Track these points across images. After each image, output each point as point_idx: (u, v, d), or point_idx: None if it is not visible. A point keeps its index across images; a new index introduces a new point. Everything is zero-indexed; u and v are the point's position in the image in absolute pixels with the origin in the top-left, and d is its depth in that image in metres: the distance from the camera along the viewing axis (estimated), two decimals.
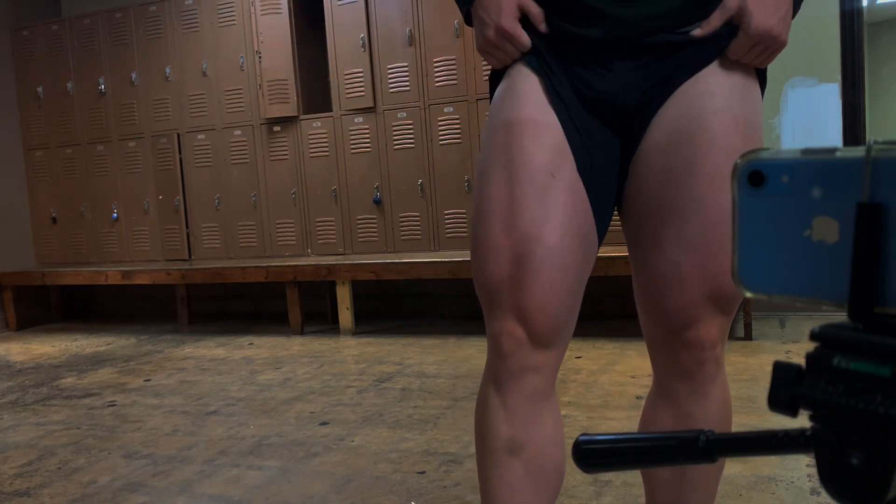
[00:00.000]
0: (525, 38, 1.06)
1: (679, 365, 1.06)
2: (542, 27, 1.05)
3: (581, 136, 1.04)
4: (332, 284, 4.52)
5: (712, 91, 1.02)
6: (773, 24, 0.99)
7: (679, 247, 1.00)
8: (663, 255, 1.02)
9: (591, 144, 1.05)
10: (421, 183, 4.33)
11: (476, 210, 1.06)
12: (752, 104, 1.04)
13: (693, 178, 0.99)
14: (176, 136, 4.96)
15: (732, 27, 1.02)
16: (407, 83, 4.32)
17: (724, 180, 0.98)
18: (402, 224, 4.42)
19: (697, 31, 1.02)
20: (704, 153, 0.99)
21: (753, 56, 1.03)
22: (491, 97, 1.14)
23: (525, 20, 1.07)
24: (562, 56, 1.06)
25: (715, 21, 1.01)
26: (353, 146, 4.50)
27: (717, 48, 1.03)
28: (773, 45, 1.01)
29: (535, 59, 1.07)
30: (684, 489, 1.12)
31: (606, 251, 3.16)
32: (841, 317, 0.41)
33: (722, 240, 0.99)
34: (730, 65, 1.04)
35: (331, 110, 4.55)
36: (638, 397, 2.68)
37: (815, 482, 1.86)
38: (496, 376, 1.06)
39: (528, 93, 1.06)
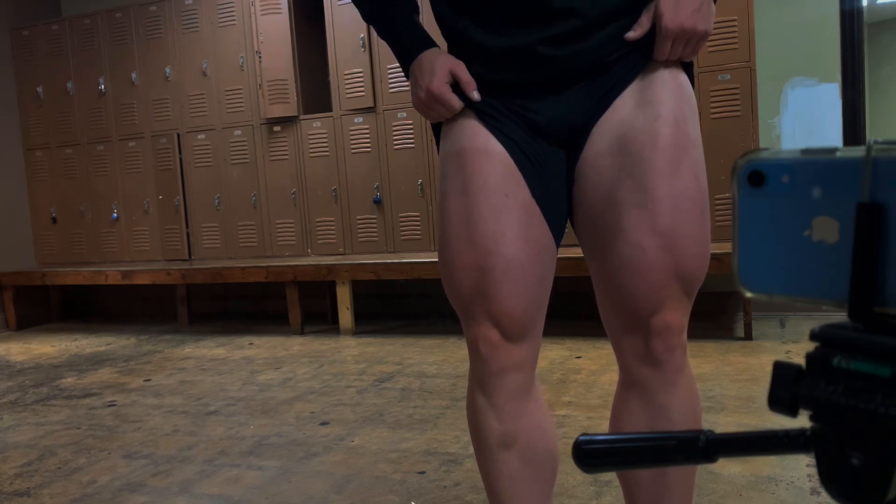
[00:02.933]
0: (455, 102, 1.12)
1: (649, 354, 1.09)
2: (475, 96, 1.11)
3: (533, 165, 1.11)
4: (332, 284, 4.52)
5: (649, 100, 1.07)
6: (683, 19, 1.04)
7: (642, 231, 1.04)
8: (627, 240, 1.05)
9: (543, 171, 1.11)
10: (421, 183, 4.33)
11: (441, 231, 1.14)
12: (686, 101, 1.10)
13: (646, 171, 1.04)
14: (176, 136, 4.96)
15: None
16: (407, 83, 4.32)
17: (676, 173, 1.05)
18: (402, 224, 4.42)
19: (632, 34, 1.07)
20: (652, 150, 1.05)
21: (678, 52, 1.07)
22: (436, 140, 1.21)
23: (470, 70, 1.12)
24: (505, 94, 1.12)
25: (644, 22, 1.07)
26: (353, 146, 4.50)
27: (646, 56, 1.09)
28: (692, 37, 1.06)
29: (474, 104, 1.13)
30: (667, 485, 1.13)
31: None
32: (841, 317, 0.41)
33: (682, 226, 1.04)
34: (659, 69, 1.09)
35: (331, 110, 4.55)
36: None
37: (815, 482, 1.86)
38: (480, 379, 1.14)
39: (472, 127, 1.13)
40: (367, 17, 1.22)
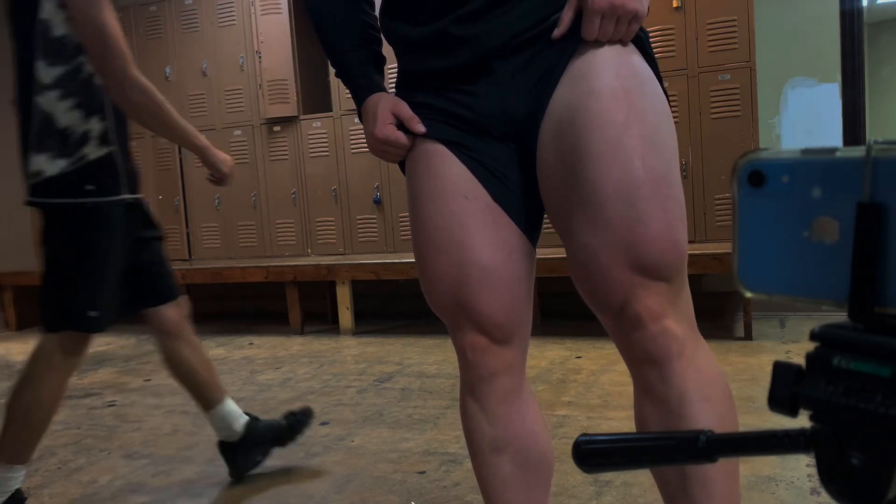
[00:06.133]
0: (402, 138, 1.12)
1: (639, 349, 1.01)
2: (420, 129, 1.11)
3: (487, 169, 1.09)
4: (332, 284, 4.52)
5: (584, 74, 1.02)
6: None
7: (585, 230, 0.99)
8: (576, 242, 1.01)
9: (498, 172, 1.09)
10: None
11: (414, 243, 1.14)
12: (630, 71, 1.02)
13: (582, 160, 0.99)
14: None
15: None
16: None
17: (616, 154, 0.97)
18: (402, 224, 4.42)
19: (556, 33, 1.04)
20: (588, 133, 0.98)
21: (609, 30, 1.01)
22: (404, 172, 1.21)
23: (432, 78, 1.11)
24: (439, 87, 1.10)
25: (566, 16, 1.03)
26: (353, 146, 4.50)
27: (577, 39, 1.04)
28: (623, 13, 1.00)
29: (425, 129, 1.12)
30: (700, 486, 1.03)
31: None
32: (841, 317, 0.41)
33: (625, 212, 0.97)
34: (601, 46, 1.03)
35: (331, 110, 4.55)
36: None
37: (815, 482, 1.86)
38: (470, 384, 1.13)
39: (427, 139, 1.12)
40: (336, 74, 1.24)
